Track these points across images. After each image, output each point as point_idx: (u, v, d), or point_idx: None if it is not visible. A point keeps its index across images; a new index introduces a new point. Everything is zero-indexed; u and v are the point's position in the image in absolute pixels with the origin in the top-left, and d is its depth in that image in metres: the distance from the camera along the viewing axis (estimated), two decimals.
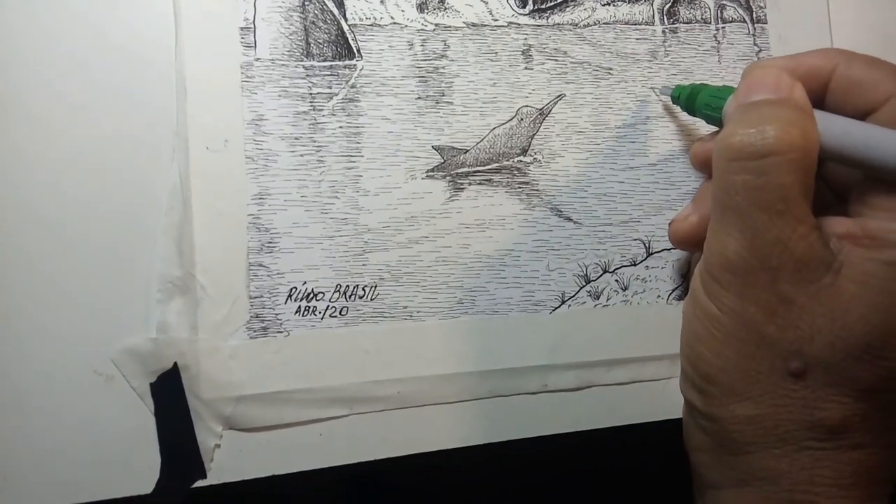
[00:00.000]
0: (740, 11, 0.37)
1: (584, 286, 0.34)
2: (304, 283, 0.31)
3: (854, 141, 0.25)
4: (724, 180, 0.26)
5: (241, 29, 0.32)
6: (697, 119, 0.32)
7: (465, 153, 0.33)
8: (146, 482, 0.30)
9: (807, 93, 0.27)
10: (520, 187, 0.34)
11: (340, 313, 0.32)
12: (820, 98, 0.28)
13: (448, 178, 0.33)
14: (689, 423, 0.29)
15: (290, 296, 0.31)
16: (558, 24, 0.35)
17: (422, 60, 0.33)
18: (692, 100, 0.31)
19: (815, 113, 0.26)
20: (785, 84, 0.26)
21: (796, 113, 0.25)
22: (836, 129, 0.26)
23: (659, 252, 0.35)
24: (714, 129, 0.32)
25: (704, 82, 0.32)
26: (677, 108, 0.34)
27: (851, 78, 0.27)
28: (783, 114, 0.25)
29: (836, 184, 0.29)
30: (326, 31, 0.32)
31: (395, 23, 0.33)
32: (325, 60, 0.32)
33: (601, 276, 0.34)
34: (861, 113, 0.26)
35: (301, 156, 0.32)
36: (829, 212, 0.27)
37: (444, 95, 0.33)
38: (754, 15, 0.37)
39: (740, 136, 0.25)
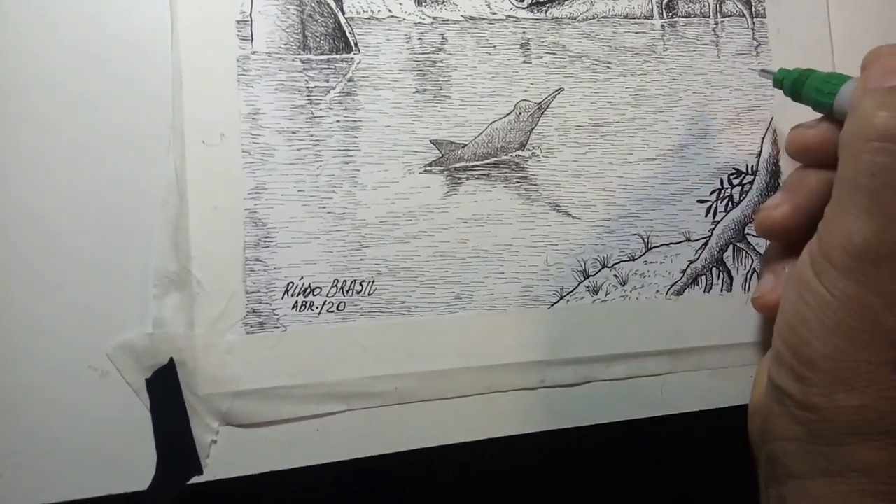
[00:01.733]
0: (739, 6, 0.37)
1: (582, 281, 0.34)
2: (302, 278, 0.31)
3: None
4: (860, 161, 0.25)
5: (238, 22, 0.32)
6: (693, 119, 0.32)
7: (463, 147, 0.33)
8: (142, 478, 0.30)
9: None
10: (518, 182, 0.34)
11: (338, 308, 0.32)
12: None
13: (446, 172, 0.33)
14: (774, 411, 0.27)
15: (287, 291, 0.31)
16: (557, 17, 0.35)
17: (419, 54, 0.33)
18: (800, 84, 0.30)
19: None
20: None
21: None
22: None
23: (658, 247, 0.35)
24: (818, 115, 0.31)
25: (812, 68, 0.30)
26: (761, 93, 0.33)
27: None
28: None
29: None
30: (323, 24, 0.32)
31: (392, 16, 0.33)
32: (322, 54, 0.32)
33: (600, 271, 0.34)
34: None
35: (298, 150, 0.32)
36: None
37: (441, 89, 0.33)
38: (753, 9, 0.37)
39: (883, 118, 0.24)
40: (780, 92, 0.32)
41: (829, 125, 0.29)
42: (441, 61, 0.33)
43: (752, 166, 0.36)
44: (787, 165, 0.36)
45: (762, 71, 0.33)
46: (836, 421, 0.25)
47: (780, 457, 0.27)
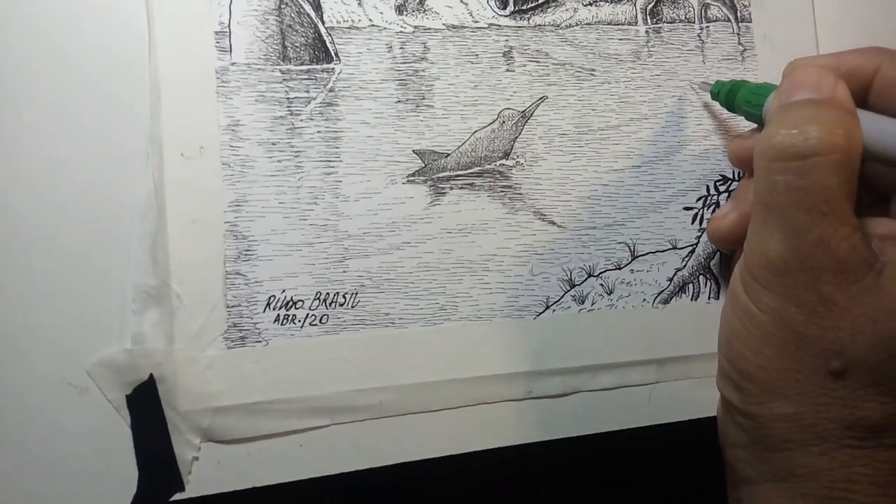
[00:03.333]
0: (724, 10, 0.36)
1: (568, 291, 0.34)
2: (283, 291, 0.31)
3: None
4: (767, 180, 0.26)
5: (216, 33, 0.31)
6: (678, 125, 0.32)
7: (447, 157, 0.33)
8: (123, 496, 0.29)
9: (849, 92, 0.26)
10: (502, 191, 0.33)
11: (321, 321, 0.31)
12: (862, 98, 0.28)
13: (429, 182, 0.33)
14: (725, 420, 0.29)
15: (268, 304, 0.31)
16: (539, 25, 0.34)
17: (401, 63, 0.33)
18: (732, 96, 0.31)
19: (858, 113, 0.26)
20: (828, 83, 0.26)
21: (839, 113, 0.25)
22: (879, 130, 0.26)
23: (644, 255, 0.34)
24: (752, 126, 0.32)
25: (745, 79, 0.32)
26: (715, 105, 0.34)
27: (895, 77, 0.27)
28: (826, 114, 0.25)
29: (878, 184, 0.29)
30: (303, 34, 0.32)
31: (373, 25, 0.33)
32: (302, 64, 0.32)
33: (586, 280, 0.34)
34: None
35: (279, 161, 0.31)
36: (871, 212, 0.27)
37: (424, 98, 0.33)
38: (739, 14, 0.36)
39: (783, 137, 0.25)
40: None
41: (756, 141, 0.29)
42: (423, 70, 0.33)
43: (739, 173, 0.36)
44: None
45: (702, 83, 0.35)
46: (774, 428, 0.26)
47: (733, 463, 0.29)
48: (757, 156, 0.26)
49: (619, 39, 0.35)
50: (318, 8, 0.32)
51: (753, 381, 0.26)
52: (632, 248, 0.34)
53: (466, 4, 0.34)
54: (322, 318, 0.31)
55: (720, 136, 0.36)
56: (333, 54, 0.32)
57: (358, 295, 0.32)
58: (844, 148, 0.25)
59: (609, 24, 0.35)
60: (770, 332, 0.26)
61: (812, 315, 0.25)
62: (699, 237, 0.35)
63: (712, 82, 0.33)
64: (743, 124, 0.34)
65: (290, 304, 0.31)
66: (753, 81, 0.31)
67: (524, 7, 0.34)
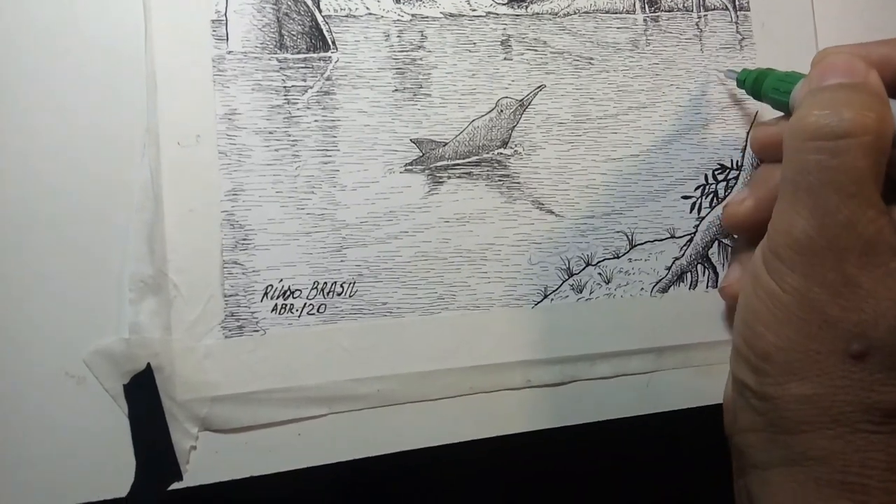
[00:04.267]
0: None
1: (566, 280, 0.33)
2: (281, 280, 0.31)
3: None
4: (798, 160, 0.26)
5: (213, 21, 0.31)
6: (676, 114, 0.32)
7: (444, 146, 0.33)
8: (121, 485, 0.29)
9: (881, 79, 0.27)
10: (500, 180, 0.33)
11: (318, 311, 0.31)
12: (891, 87, 0.28)
13: (427, 171, 0.33)
14: (737, 403, 0.29)
15: (266, 294, 0.31)
16: (537, 13, 0.34)
17: (399, 52, 0.33)
18: (759, 84, 0.31)
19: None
20: (860, 69, 0.27)
21: (871, 97, 0.26)
22: None
23: (642, 244, 0.34)
24: (779, 114, 0.32)
25: (771, 68, 0.32)
26: (741, 92, 0.34)
27: None
28: (859, 97, 0.26)
29: None
30: (300, 22, 0.32)
31: (370, 13, 0.33)
32: (299, 53, 0.32)
33: (584, 269, 0.34)
34: None
35: (276, 150, 0.31)
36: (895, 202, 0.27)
37: (421, 87, 0.33)
38: (737, 2, 0.36)
39: (816, 117, 0.25)
40: None
41: (787, 123, 0.29)
42: (420, 59, 0.33)
43: (737, 161, 0.35)
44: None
45: (728, 71, 0.34)
46: (790, 410, 0.26)
47: (743, 448, 0.28)
48: (788, 136, 0.26)
49: (618, 28, 0.35)
50: None
51: (772, 362, 0.26)
52: (630, 237, 0.34)
53: None
54: (320, 307, 0.31)
55: (718, 126, 0.35)
56: (330, 43, 0.32)
57: (355, 284, 0.32)
58: (876, 130, 0.25)
59: (607, 12, 0.35)
60: (792, 312, 0.26)
61: (836, 296, 0.25)
62: (697, 226, 0.35)
63: (738, 70, 0.33)
64: (736, 109, 0.34)
65: (288, 293, 0.31)
66: (780, 70, 0.31)
67: None
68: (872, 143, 0.25)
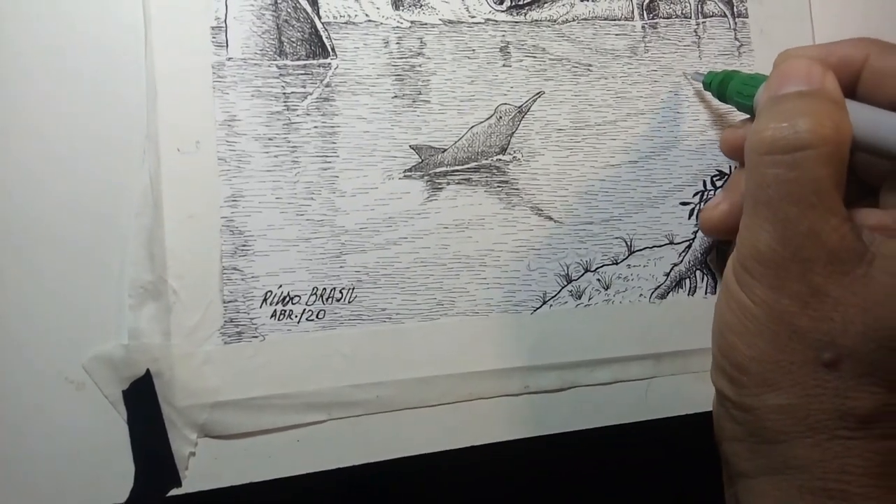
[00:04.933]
0: (721, 6, 0.36)
1: (565, 286, 0.34)
2: (280, 286, 0.31)
3: (886, 132, 0.26)
4: (756, 174, 0.26)
5: (213, 28, 0.31)
6: (675, 121, 0.32)
7: (443, 152, 0.33)
8: (120, 492, 0.29)
9: (838, 83, 0.27)
10: (499, 186, 0.33)
11: (317, 317, 0.31)
12: (851, 88, 0.28)
13: (426, 177, 0.33)
14: (720, 414, 0.29)
15: (265, 300, 0.31)
16: (536, 20, 0.34)
17: (398, 58, 0.33)
18: (724, 87, 0.31)
19: (847, 103, 0.26)
20: (816, 75, 0.26)
21: (828, 105, 0.26)
22: (868, 120, 0.26)
23: (641, 250, 0.34)
24: (745, 116, 0.32)
25: (736, 69, 0.32)
26: (707, 95, 0.34)
27: (884, 68, 0.27)
28: (815, 106, 0.26)
29: (868, 175, 0.29)
30: (300, 29, 0.32)
31: (369, 20, 0.33)
32: (298, 59, 0.32)
33: (583, 275, 0.34)
34: (893, 103, 0.27)
35: (275, 157, 0.31)
36: (861, 203, 0.27)
37: (420, 94, 0.33)
38: (735, 9, 0.36)
39: (772, 131, 0.25)
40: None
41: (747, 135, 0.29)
42: (420, 65, 0.33)
43: (735, 167, 0.36)
44: None
45: (694, 73, 0.34)
46: (768, 420, 0.26)
47: (729, 457, 0.28)
48: (747, 149, 0.26)
49: (616, 35, 0.35)
50: (314, 3, 0.32)
51: (747, 374, 0.26)
52: (628, 243, 0.34)
53: (463, 0, 0.34)
54: (319, 313, 0.31)
55: (716, 132, 0.36)
56: (330, 49, 0.32)
57: (355, 290, 0.32)
58: (833, 140, 0.25)
59: (606, 19, 0.35)
60: (763, 324, 0.26)
61: (804, 306, 0.25)
62: (696, 232, 0.35)
63: (705, 72, 0.33)
64: (734, 114, 0.34)
65: (287, 299, 0.31)
66: (745, 71, 0.31)
67: (521, 2, 0.34)
68: (831, 153, 0.25)
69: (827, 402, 0.25)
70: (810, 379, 0.25)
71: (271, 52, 0.32)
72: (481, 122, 0.33)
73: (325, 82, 0.32)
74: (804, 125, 0.25)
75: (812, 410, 0.25)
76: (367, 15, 0.33)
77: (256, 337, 0.31)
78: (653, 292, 0.34)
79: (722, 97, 0.32)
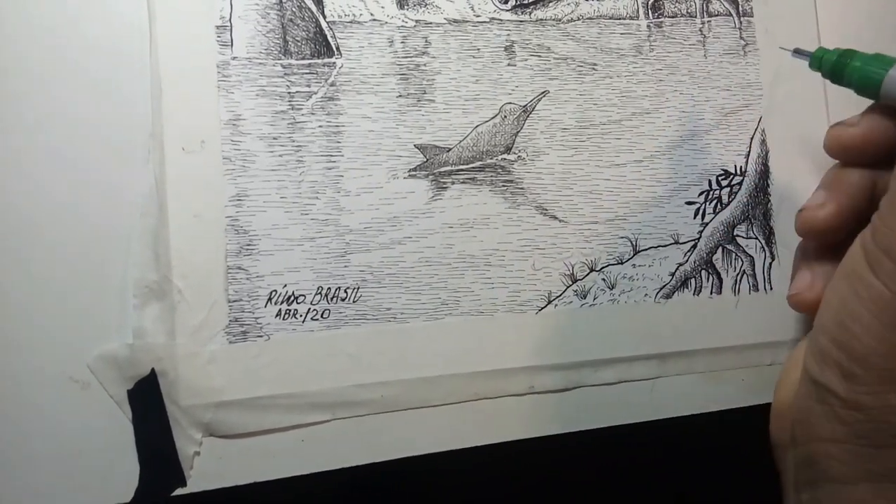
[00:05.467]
0: (726, 5, 0.36)
1: (570, 285, 0.33)
2: (285, 285, 0.31)
3: None
4: None
5: (217, 27, 0.31)
6: (680, 120, 0.31)
7: (448, 152, 0.33)
8: (124, 491, 0.29)
9: None
10: (504, 186, 0.33)
11: (322, 316, 0.31)
12: None
13: (431, 177, 0.33)
14: (816, 411, 0.26)
15: (270, 299, 0.31)
16: (541, 19, 0.34)
17: (402, 58, 0.33)
18: (841, 65, 0.28)
19: None
20: None
21: None
22: None
23: (646, 250, 0.34)
24: (851, 112, 0.29)
25: (851, 48, 0.29)
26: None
27: None
28: None
29: None
30: (304, 28, 0.32)
31: (374, 19, 0.33)
32: (303, 58, 0.32)
33: (588, 274, 0.34)
34: None
35: (280, 156, 0.31)
36: None
37: (425, 93, 0.33)
38: (740, 8, 0.36)
39: None
40: (769, 92, 0.32)
41: (872, 122, 0.28)
42: (424, 65, 0.33)
43: (741, 167, 0.36)
44: (778, 166, 0.36)
45: (796, 51, 0.31)
46: (885, 422, 0.24)
47: (818, 459, 0.26)
48: None
49: (621, 34, 0.35)
50: (319, 2, 0.32)
51: (870, 368, 0.24)
52: (634, 242, 0.34)
53: None
54: (324, 312, 0.31)
55: (722, 131, 0.35)
56: (335, 48, 0.32)
57: (359, 290, 0.32)
58: None
59: (611, 18, 0.35)
60: None
61: None
62: (701, 232, 0.35)
63: (811, 50, 0.30)
64: (735, 112, 0.34)
65: (292, 298, 0.31)
66: (863, 52, 0.28)
67: (526, 1, 0.34)
68: None
69: None
70: None
71: (276, 52, 0.32)
72: (486, 122, 0.33)
73: (329, 81, 0.32)
74: None
75: None
76: (371, 14, 0.33)
77: (261, 336, 0.30)
78: (658, 292, 0.34)
79: (837, 77, 0.29)
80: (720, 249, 0.35)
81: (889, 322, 0.24)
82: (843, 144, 0.29)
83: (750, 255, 0.35)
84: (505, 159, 0.33)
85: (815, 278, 0.30)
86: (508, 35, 0.34)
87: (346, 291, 0.31)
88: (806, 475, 0.27)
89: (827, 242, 0.29)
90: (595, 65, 0.35)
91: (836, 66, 0.29)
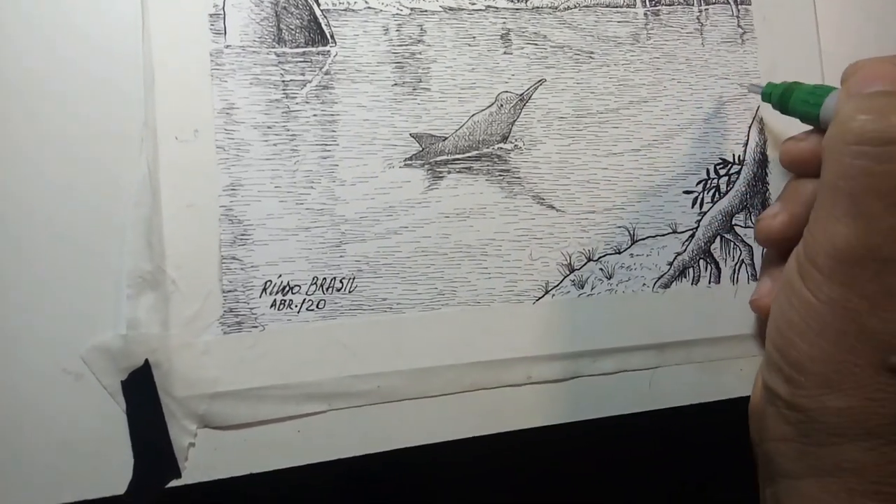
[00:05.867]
0: None
1: (567, 275, 0.33)
2: (280, 276, 0.31)
3: None
4: (840, 164, 0.25)
5: (211, 16, 0.31)
6: (678, 109, 0.31)
7: (444, 141, 0.33)
8: (119, 483, 0.29)
9: None
10: (500, 175, 0.33)
11: (317, 306, 0.31)
12: None
13: (427, 166, 0.32)
14: (766, 412, 0.28)
15: (264, 289, 0.30)
16: (537, 7, 0.34)
17: (398, 46, 0.32)
18: (786, 98, 0.31)
19: None
20: None
21: None
22: None
23: (643, 239, 0.34)
24: (808, 127, 0.31)
25: (797, 81, 0.31)
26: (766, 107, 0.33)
27: None
28: None
29: None
30: (298, 16, 0.32)
31: (369, 7, 0.32)
32: (297, 47, 0.31)
33: (585, 264, 0.33)
34: None
35: (274, 145, 0.31)
36: None
37: (421, 82, 0.32)
38: None
39: (861, 122, 0.25)
40: (768, 80, 0.32)
41: (818, 137, 0.29)
42: (420, 53, 0.33)
43: (739, 156, 0.35)
44: (775, 155, 0.35)
45: (751, 85, 0.34)
46: (823, 422, 0.25)
47: (773, 457, 0.28)
48: (830, 140, 0.26)
49: (618, 22, 0.35)
50: None
51: (806, 373, 0.26)
52: (631, 232, 0.34)
53: None
54: (319, 303, 0.31)
55: (720, 120, 0.35)
56: (329, 37, 0.32)
57: (355, 280, 0.31)
58: None
59: (607, 6, 0.35)
60: (828, 323, 0.25)
61: (875, 307, 0.24)
62: (699, 221, 0.35)
63: (763, 84, 0.32)
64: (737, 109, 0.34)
65: (287, 289, 0.31)
66: (807, 83, 0.30)
67: None
68: None
69: (889, 407, 0.24)
70: (873, 382, 0.25)
71: (270, 40, 0.31)
72: (482, 111, 0.33)
73: (324, 70, 0.32)
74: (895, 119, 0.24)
75: (871, 414, 0.25)
76: (366, 2, 0.32)
77: (256, 327, 0.30)
78: (656, 282, 0.34)
79: (783, 108, 0.31)
80: (718, 239, 0.35)
81: (819, 329, 0.25)
82: (792, 158, 0.31)
83: (748, 245, 0.35)
84: (501, 148, 0.33)
85: (774, 285, 0.31)
86: (504, 23, 0.34)
87: (341, 282, 0.31)
88: (767, 471, 0.29)
89: (785, 250, 0.30)
90: (592, 53, 0.34)
91: (782, 98, 0.31)
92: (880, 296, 0.24)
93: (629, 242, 0.34)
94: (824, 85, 0.30)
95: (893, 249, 0.24)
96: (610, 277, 0.34)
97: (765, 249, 0.35)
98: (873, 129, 0.24)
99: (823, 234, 0.25)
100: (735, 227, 0.35)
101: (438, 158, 0.32)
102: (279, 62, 0.31)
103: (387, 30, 0.32)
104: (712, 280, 0.35)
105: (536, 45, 0.34)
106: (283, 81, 0.31)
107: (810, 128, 0.31)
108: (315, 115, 0.31)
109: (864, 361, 0.25)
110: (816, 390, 0.26)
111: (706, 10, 0.36)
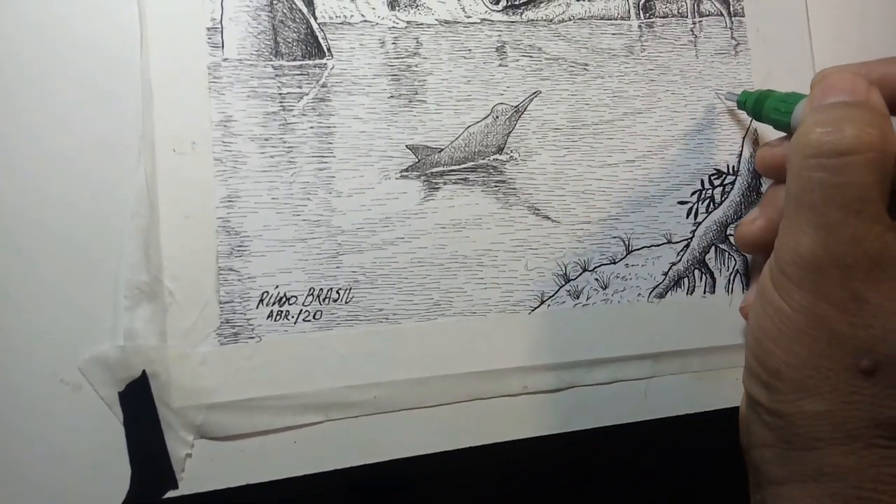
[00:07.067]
0: (717, 5, 0.36)
1: (563, 285, 0.33)
2: (276, 287, 0.31)
3: None
4: (801, 178, 0.26)
5: (208, 29, 0.31)
6: (672, 120, 0.32)
7: (440, 152, 0.33)
8: (116, 494, 0.29)
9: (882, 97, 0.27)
10: (496, 186, 0.33)
11: (314, 317, 0.31)
12: (890, 105, 0.28)
13: (423, 177, 0.33)
14: (750, 419, 0.29)
15: (261, 300, 0.31)
16: (532, 20, 0.34)
17: (394, 58, 0.33)
18: (759, 105, 0.31)
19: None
20: (861, 87, 0.27)
21: (874, 115, 0.26)
22: None
23: (639, 249, 0.34)
24: (782, 134, 0.32)
25: (771, 89, 0.32)
26: (742, 114, 0.35)
27: None
28: (862, 115, 0.26)
29: None
30: (295, 29, 0.32)
31: (365, 20, 0.33)
32: (294, 60, 0.32)
33: (581, 274, 0.34)
34: None
35: (271, 157, 0.31)
36: None
37: (417, 94, 0.33)
38: (731, 8, 0.36)
39: (818, 135, 0.25)
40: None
41: (790, 141, 0.29)
42: (416, 65, 0.33)
43: (734, 166, 0.36)
44: None
45: (727, 93, 0.35)
46: (803, 427, 0.26)
47: (758, 463, 0.28)
48: (791, 153, 0.26)
49: (612, 34, 0.35)
50: (310, 3, 0.32)
51: (783, 379, 0.26)
52: (626, 242, 0.34)
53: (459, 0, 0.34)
54: (315, 313, 0.31)
55: (714, 130, 0.35)
56: (326, 50, 0.32)
57: (352, 290, 0.31)
58: (880, 147, 0.25)
59: (602, 18, 0.35)
60: (801, 330, 0.25)
61: (844, 312, 0.25)
62: (694, 231, 0.35)
63: (738, 92, 0.33)
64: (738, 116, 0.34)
65: (284, 300, 0.31)
66: (780, 91, 0.31)
67: (517, 2, 0.34)
68: (876, 160, 0.25)
69: (864, 409, 0.25)
70: (848, 386, 0.25)
71: (267, 53, 0.32)
72: (478, 122, 0.33)
73: (321, 83, 0.32)
74: (850, 131, 0.25)
75: (849, 418, 0.25)
76: (363, 15, 0.33)
77: (253, 338, 0.30)
78: (651, 292, 0.34)
79: (757, 116, 0.32)
80: (713, 249, 0.35)
81: (792, 335, 0.26)
82: (767, 165, 0.32)
83: (743, 255, 0.35)
84: (497, 159, 0.33)
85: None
86: (500, 36, 0.34)
87: (338, 292, 0.31)
88: (755, 478, 0.29)
89: (768, 256, 0.30)
90: (587, 65, 0.35)
91: (755, 106, 0.32)
92: (847, 301, 0.25)
93: (624, 252, 0.34)
94: (795, 93, 0.30)
95: (856, 256, 0.25)
96: (605, 287, 0.34)
97: (750, 257, 0.35)
98: (829, 140, 0.25)
99: (790, 244, 0.26)
100: (730, 238, 0.35)
101: (434, 170, 0.33)
102: (276, 75, 0.32)
103: (383, 43, 0.33)
104: (707, 290, 0.35)
105: (531, 57, 0.34)
106: (281, 94, 0.31)
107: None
108: (312, 128, 0.32)
109: (838, 366, 0.25)
110: (794, 395, 0.26)
111: (700, 22, 0.36)
